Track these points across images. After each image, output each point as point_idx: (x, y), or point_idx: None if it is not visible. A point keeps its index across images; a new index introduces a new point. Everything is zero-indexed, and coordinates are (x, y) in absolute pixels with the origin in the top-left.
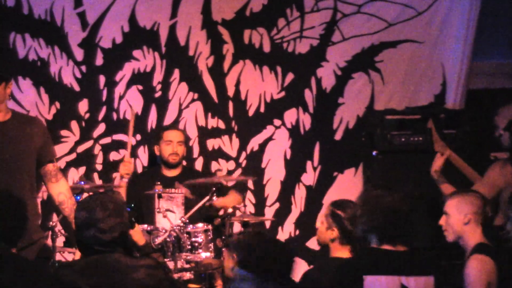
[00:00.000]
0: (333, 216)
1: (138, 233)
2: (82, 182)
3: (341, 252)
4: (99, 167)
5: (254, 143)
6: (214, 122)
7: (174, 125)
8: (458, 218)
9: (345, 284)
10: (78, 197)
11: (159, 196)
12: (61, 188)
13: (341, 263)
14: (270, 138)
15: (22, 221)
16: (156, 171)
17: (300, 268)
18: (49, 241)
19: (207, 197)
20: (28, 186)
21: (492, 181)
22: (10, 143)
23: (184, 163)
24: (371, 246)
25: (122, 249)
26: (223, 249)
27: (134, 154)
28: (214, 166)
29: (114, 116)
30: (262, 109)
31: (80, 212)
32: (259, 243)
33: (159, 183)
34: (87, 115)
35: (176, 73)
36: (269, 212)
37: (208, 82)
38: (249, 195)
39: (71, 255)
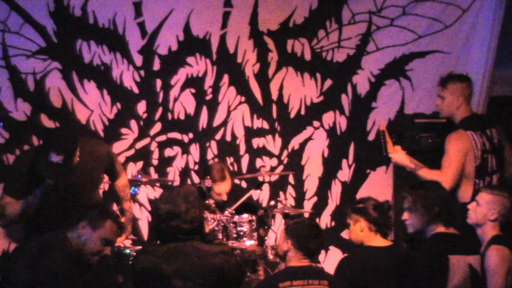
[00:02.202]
0: (355, 212)
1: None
2: (139, 176)
3: (375, 240)
4: (155, 162)
5: (295, 142)
6: (259, 123)
7: (222, 174)
8: (486, 213)
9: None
10: (136, 189)
11: (209, 190)
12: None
13: (401, 251)
14: (309, 138)
15: None
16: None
17: (335, 256)
18: None
19: (251, 191)
20: (96, 194)
21: None
22: (79, 177)
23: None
24: (437, 231)
25: (199, 237)
26: (265, 237)
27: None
28: (258, 162)
29: (169, 116)
30: (302, 112)
31: (163, 205)
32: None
33: (208, 177)
34: (145, 115)
35: (226, 78)
36: (308, 205)
37: (254, 87)
38: (290, 190)
39: (129, 241)
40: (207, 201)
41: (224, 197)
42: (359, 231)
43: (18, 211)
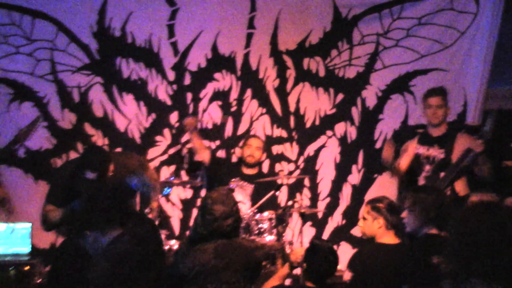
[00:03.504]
0: (375, 209)
1: None
2: (172, 178)
3: (387, 237)
4: (186, 166)
5: (310, 150)
6: (278, 132)
7: (256, 135)
8: None
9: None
10: (169, 189)
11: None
12: None
13: (405, 248)
14: (323, 146)
15: None
16: (237, 168)
17: (346, 250)
18: None
19: (272, 192)
20: (131, 201)
21: None
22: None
23: (263, 170)
24: (428, 232)
25: (239, 234)
26: (283, 233)
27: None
28: (277, 167)
29: (199, 125)
30: (317, 122)
31: (219, 206)
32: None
33: (233, 179)
34: (177, 124)
35: (249, 92)
36: (321, 205)
37: (274, 100)
38: (306, 191)
39: (163, 235)
40: None
41: (256, 155)
42: (377, 227)
43: (59, 218)
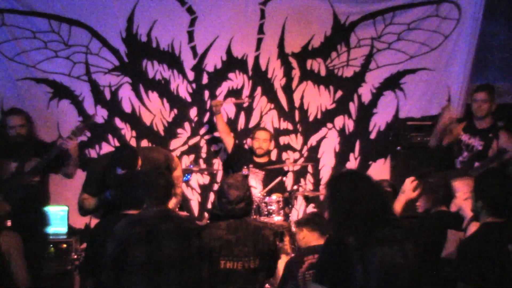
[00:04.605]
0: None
1: None
2: (192, 166)
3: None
4: (204, 155)
5: (313, 140)
6: (285, 125)
7: (264, 127)
8: (459, 196)
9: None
10: (189, 176)
11: (246, 177)
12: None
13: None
14: (324, 137)
15: None
16: (250, 157)
17: None
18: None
19: (279, 178)
20: None
21: None
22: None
23: (272, 158)
24: (440, 209)
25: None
26: (290, 214)
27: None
28: (284, 156)
29: (215, 119)
30: (319, 116)
31: (234, 191)
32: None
33: (245, 166)
34: (196, 118)
35: (259, 90)
36: (323, 189)
37: (281, 96)
38: (309, 177)
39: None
40: None
41: (264, 146)
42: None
43: (93, 206)
